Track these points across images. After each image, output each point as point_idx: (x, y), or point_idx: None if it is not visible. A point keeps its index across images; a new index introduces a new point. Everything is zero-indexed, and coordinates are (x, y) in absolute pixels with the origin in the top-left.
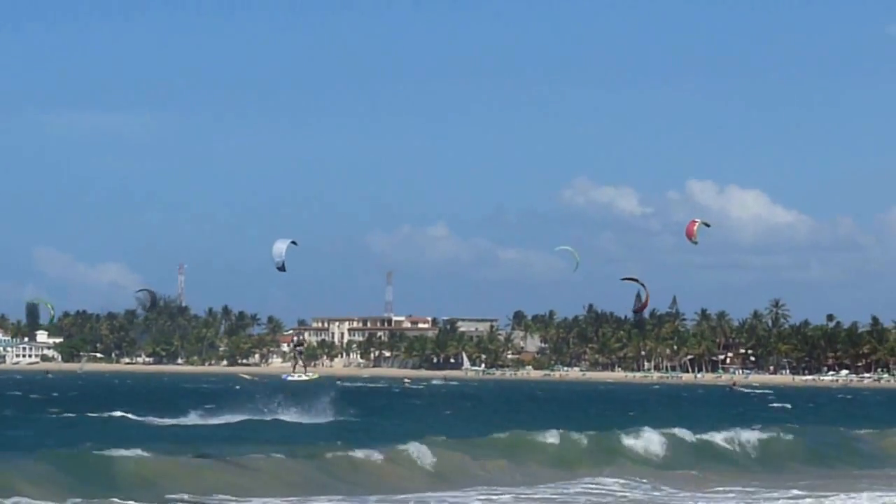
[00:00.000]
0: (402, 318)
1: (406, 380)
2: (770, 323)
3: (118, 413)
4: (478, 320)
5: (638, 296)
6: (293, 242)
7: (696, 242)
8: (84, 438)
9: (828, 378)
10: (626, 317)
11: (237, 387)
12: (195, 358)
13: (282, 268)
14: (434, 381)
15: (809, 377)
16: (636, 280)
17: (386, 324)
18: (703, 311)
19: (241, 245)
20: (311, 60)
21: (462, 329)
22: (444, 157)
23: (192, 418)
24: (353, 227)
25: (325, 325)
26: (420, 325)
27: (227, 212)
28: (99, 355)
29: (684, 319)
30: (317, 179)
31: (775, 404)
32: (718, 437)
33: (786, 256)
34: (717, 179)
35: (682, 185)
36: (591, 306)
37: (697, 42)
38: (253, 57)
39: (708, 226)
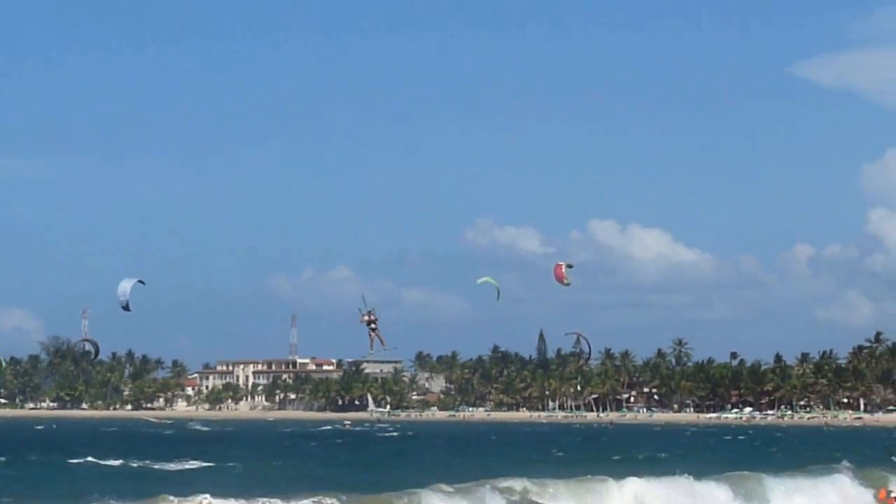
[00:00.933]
0: (306, 361)
1: (346, 422)
2: (674, 361)
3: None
4: (382, 362)
5: (583, 343)
6: (140, 281)
7: (568, 284)
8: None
9: (731, 415)
10: (530, 357)
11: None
12: (99, 402)
13: (126, 307)
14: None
15: (714, 415)
16: (579, 334)
17: (291, 366)
18: (607, 350)
19: (144, 289)
20: (215, 105)
21: (367, 371)
22: (346, 199)
23: None
24: (256, 271)
25: (230, 367)
26: (325, 368)
27: (129, 256)
28: (2, 401)
29: (588, 359)
30: (220, 223)
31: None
32: None
33: (688, 295)
34: (619, 218)
35: (584, 224)
36: (495, 347)
37: (598, 81)
38: (157, 101)
39: (571, 267)
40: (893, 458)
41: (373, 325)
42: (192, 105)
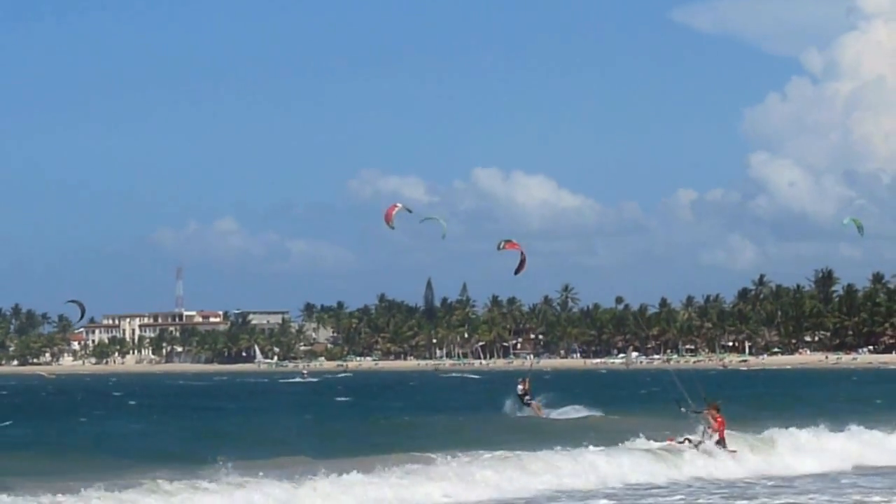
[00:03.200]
0: (193, 313)
1: (304, 372)
2: (559, 307)
3: None
4: (269, 313)
5: (521, 257)
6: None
7: (392, 227)
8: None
9: (618, 360)
10: (416, 305)
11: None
12: None
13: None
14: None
15: (599, 360)
16: (514, 244)
17: (177, 319)
18: (494, 297)
19: (28, 243)
20: (96, 57)
21: (254, 322)
22: (230, 151)
23: None
24: (140, 224)
25: (116, 321)
26: (212, 320)
27: (13, 210)
28: None
29: (475, 306)
30: (102, 177)
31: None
32: None
33: (573, 241)
34: (502, 166)
35: (468, 173)
36: (382, 295)
37: (477, 29)
38: (39, 52)
39: (410, 211)
40: (682, 409)
41: (527, 397)
42: (70, 59)
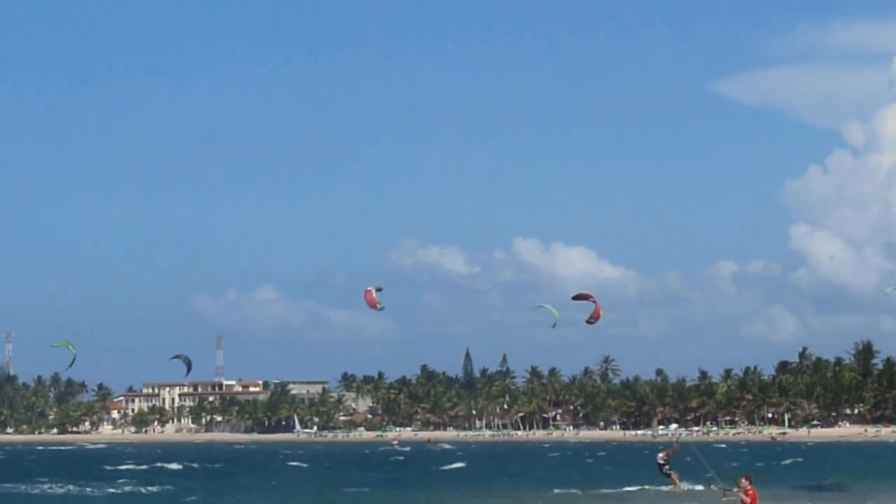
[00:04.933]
0: (232, 382)
1: (394, 442)
2: (599, 379)
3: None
4: (309, 382)
5: (594, 308)
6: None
7: (382, 308)
8: None
9: (658, 432)
10: (456, 376)
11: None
12: (24, 426)
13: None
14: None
15: (640, 432)
16: (588, 296)
17: (217, 388)
18: (534, 368)
19: (69, 312)
20: (135, 127)
21: (293, 391)
22: (270, 220)
23: None
24: (180, 292)
25: (156, 390)
26: (251, 389)
27: (54, 277)
28: None
29: (514, 377)
30: (143, 245)
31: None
32: None
33: (614, 312)
34: (542, 237)
35: (508, 243)
36: (424, 367)
37: (521, 101)
38: (78, 121)
39: (380, 290)
40: (713, 487)
41: (667, 467)
42: (112, 127)
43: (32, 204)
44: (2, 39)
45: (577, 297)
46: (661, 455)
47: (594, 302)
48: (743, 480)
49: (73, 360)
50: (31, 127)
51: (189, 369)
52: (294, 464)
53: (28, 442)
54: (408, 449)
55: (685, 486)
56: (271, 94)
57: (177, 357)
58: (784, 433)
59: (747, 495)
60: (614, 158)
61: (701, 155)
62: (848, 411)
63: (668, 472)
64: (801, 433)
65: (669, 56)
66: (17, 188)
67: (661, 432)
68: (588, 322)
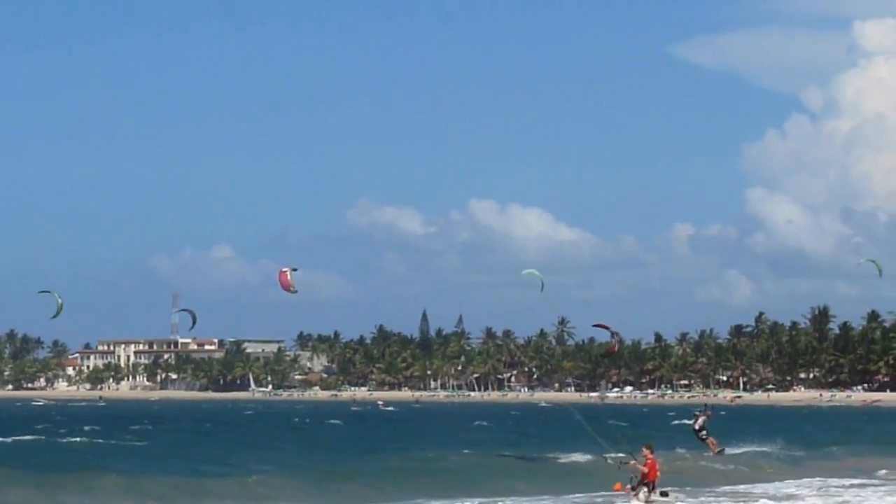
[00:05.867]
0: (188, 341)
1: (379, 402)
2: (554, 341)
3: None
4: (264, 341)
5: (612, 339)
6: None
7: (295, 291)
8: None
9: (612, 395)
10: (411, 336)
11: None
12: None
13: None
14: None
15: (594, 394)
16: (607, 327)
17: (172, 346)
18: (489, 329)
19: (24, 266)
20: (96, 88)
21: (249, 350)
22: (227, 179)
23: None
24: (136, 250)
25: (111, 347)
26: (206, 347)
27: (9, 233)
28: None
29: (469, 338)
30: (99, 201)
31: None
32: None
33: (570, 275)
34: (499, 198)
35: (465, 204)
36: (380, 327)
37: (475, 61)
38: (38, 81)
39: (296, 270)
40: (610, 461)
41: (703, 432)
42: (74, 84)
43: None
44: None
45: (598, 326)
46: (697, 421)
47: (613, 336)
48: (644, 450)
49: (59, 310)
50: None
51: (194, 323)
52: (334, 421)
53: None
54: (391, 409)
55: (727, 450)
56: (232, 55)
57: (184, 310)
58: (739, 396)
59: (646, 465)
60: (572, 120)
61: (659, 118)
62: (803, 375)
63: (704, 437)
64: (760, 397)
65: (627, 19)
66: None
67: (612, 394)
68: (602, 356)
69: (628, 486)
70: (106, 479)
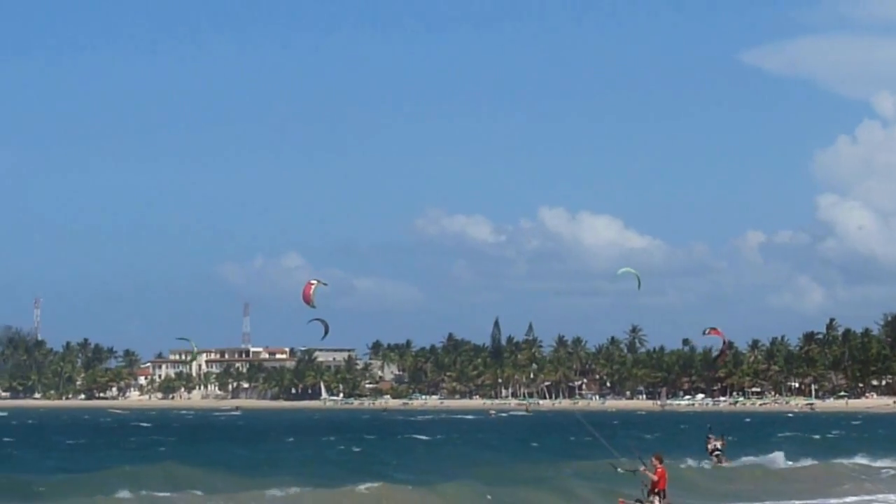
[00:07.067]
0: (259, 349)
1: (491, 411)
2: (626, 349)
3: None
4: (335, 350)
5: (723, 346)
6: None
7: (314, 307)
8: None
9: (684, 402)
10: (483, 344)
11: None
12: (52, 392)
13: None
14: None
15: (655, 402)
16: (719, 332)
17: (244, 355)
18: (560, 337)
19: (98, 278)
20: (166, 97)
21: (320, 359)
22: (296, 187)
23: None
24: (207, 259)
25: (183, 356)
26: (278, 356)
27: (84, 245)
28: None
29: (541, 346)
30: (170, 213)
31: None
32: None
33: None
34: (569, 206)
35: (535, 212)
36: (450, 335)
37: (548, 69)
38: (105, 93)
39: (325, 285)
40: (619, 470)
41: (718, 454)
42: (146, 97)
43: (61, 170)
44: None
45: (710, 331)
46: (710, 443)
47: (724, 342)
48: (653, 460)
49: (194, 356)
50: (57, 92)
51: (326, 332)
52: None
53: (62, 408)
54: (504, 415)
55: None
56: (303, 63)
57: (316, 320)
58: (811, 404)
59: (656, 474)
60: (643, 127)
61: (730, 125)
62: (875, 382)
63: (717, 456)
64: (837, 404)
65: (699, 26)
66: (45, 155)
67: (683, 402)
68: (715, 360)
69: (632, 501)
70: None
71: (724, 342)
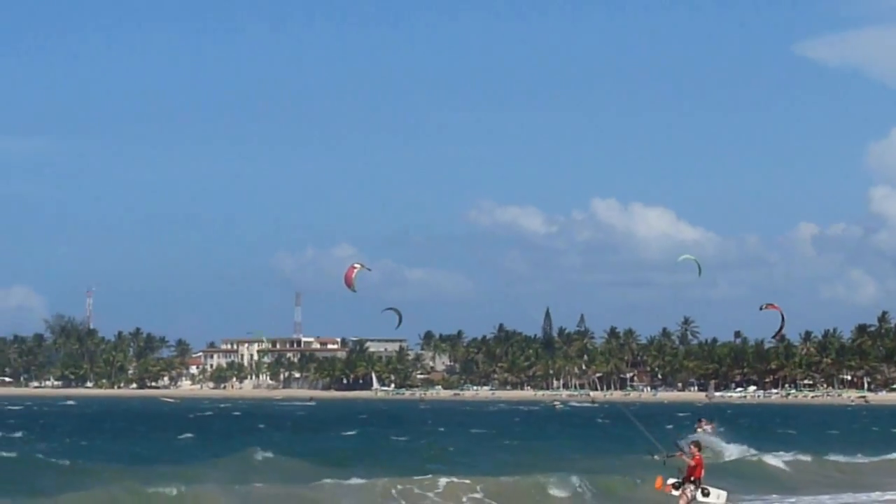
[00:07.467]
0: (311, 339)
1: (556, 403)
2: (678, 340)
3: None
4: (387, 340)
5: (782, 321)
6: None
7: (354, 290)
8: None
9: (736, 394)
10: (535, 335)
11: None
12: (104, 381)
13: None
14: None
15: (718, 394)
16: (777, 308)
17: (295, 345)
18: (612, 329)
19: (150, 267)
20: (220, 88)
21: (371, 349)
22: (348, 177)
23: None
24: (259, 249)
25: (235, 346)
26: (329, 346)
27: (135, 235)
28: (7, 379)
29: (593, 338)
30: (222, 202)
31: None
32: None
33: (693, 274)
34: (621, 197)
35: (586, 203)
36: (501, 326)
37: (600, 61)
38: (160, 83)
39: (369, 270)
40: (655, 457)
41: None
42: (199, 88)
43: (115, 160)
44: None
45: (766, 306)
46: (701, 427)
47: (782, 318)
48: (692, 446)
49: (400, 320)
50: (111, 81)
51: (400, 321)
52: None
53: (114, 397)
54: (568, 407)
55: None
56: (354, 53)
57: (390, 309)
58: (864, 397)
59: (693, 460)
60: (695, 119)
61: (783, 116)
62: None
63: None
64: (889, 396)
65: (753, 17)
66: (99, 144)
67: (738, 394)
68: (773, 337)
69: (668, 484)
70: None
71: (783, 318)
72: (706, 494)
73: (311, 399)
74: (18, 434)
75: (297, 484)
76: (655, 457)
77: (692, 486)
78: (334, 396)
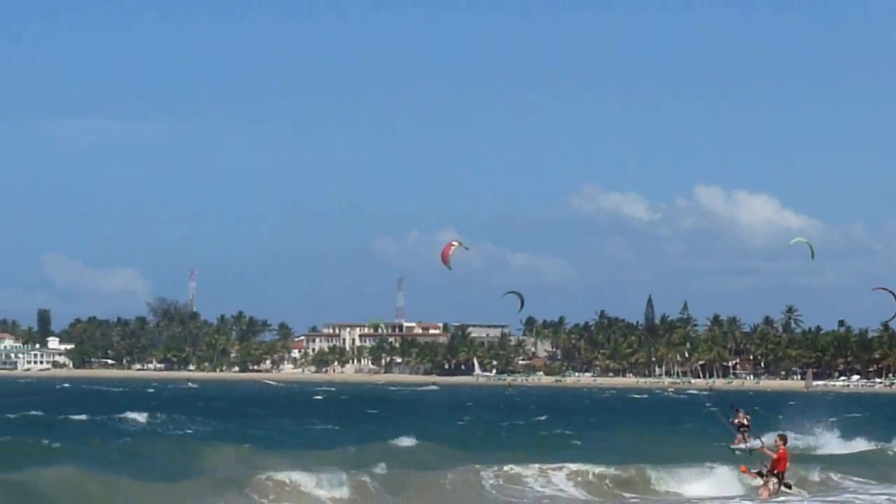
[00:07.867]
0: (413, 324)
1: (670, 390)
2: (781, 329)
3: None
4: (489, 326)
5: None
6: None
7: (450, 268)
8: None
9: (839, 383)
10: (637, 322)
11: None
12: (206, 364)
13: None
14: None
15: (820, 382)
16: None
17: (397, 329)
18: (715, 316)
19: (253, 251)
20: (322, 70)
21: (473, 335)
22: (452, 162)
23: None
24: (362, 233)
25: (336, 330)
26: (431, 331)
27: (239, 218)
28: (110, 361)
29: (696, 325)
30: (325, 186)
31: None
32: None
33: (796, 262)
34: (725, 185)
35: (690, 190)
36: (602, 312)
37: (705, 48)
38: (263, 66)
39: (467, 248)
40: (738, 452)
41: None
42: (307, 73)
43: (217, 145)
44: None
45: (880, 289)
46: (738, 417)
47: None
48: (777, 439)
49: (522, 304)
50: (215, 64)
51: (522, 304)
52: None
53: (215, 380)
54: (683, 396)
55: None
56: (461, 39)
57: (512, 293)
58: None
59: (777, 454)
60: (800, 105)
61: (889, 104)
62: None
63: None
64: None
65: (862, 8)
66: (202, 128)
67: (841, 383)
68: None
69: (754, 471)
70: None
71: None
72: (788, 487)
73: (433, 384)
74: (182, 417)
75: (443, 469)
76: (737, 452)
77: (775, 480)
78: (437, 381)
